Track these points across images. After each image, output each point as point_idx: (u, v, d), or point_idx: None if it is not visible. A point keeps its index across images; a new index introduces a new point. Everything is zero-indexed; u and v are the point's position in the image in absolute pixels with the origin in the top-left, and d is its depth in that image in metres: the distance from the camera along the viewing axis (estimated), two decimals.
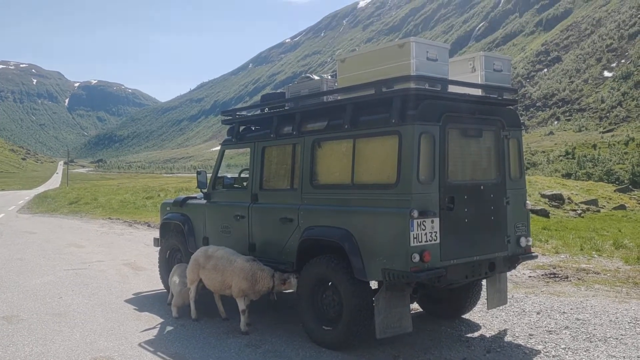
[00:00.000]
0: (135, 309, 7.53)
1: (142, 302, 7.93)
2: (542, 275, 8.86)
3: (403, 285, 5.35)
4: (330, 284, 5.87)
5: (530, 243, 6.19)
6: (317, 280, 5.97)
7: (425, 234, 5.17)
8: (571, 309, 6.94)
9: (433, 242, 5.22)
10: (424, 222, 5.15)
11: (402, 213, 5.11)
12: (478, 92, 5.91)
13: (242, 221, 7.00)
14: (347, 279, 5.59)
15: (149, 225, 17.64)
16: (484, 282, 6.43)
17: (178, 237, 8.24)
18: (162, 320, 6.99)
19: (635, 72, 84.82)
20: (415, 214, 5.06)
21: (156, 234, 15.40)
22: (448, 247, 5.33)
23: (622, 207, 28.76)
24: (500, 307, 7.03)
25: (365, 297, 5.63)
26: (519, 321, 6.62)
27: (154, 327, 6.68)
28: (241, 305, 6.43)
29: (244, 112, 7.68)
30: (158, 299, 8.08)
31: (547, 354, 5.56)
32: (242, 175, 7.96)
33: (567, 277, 8.64)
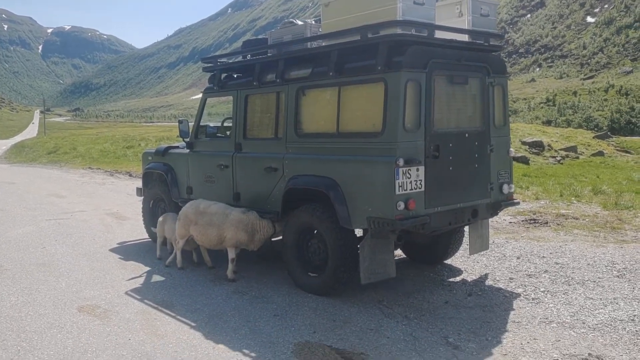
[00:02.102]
0: (120, 258, 7.55)
1: (127, 251, 7.95)
2: (523, 221, 9.03)
3: (388, 233, 5.41)
4: (315, 232, 5.92)
5: (512, 190, 6.27)
6: (302, 228, 6.01)
7: (411, 182, 5.20)
8: (550, 253, 7.11)
9: (418, 190, 5.25)
10: (409, 171, 5.17)
11: (387, 161, 5.11)
12: (464, 37, 5.82)
13: (226, 170, 6.96)
14: (333, 227, 5.64)
15: (130, 175, 17.50)
16: (466, 228, 6.53)
17: (161, 186, 8.20)
18: (148, 268, 7.03)
19: (618, 18, 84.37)
20: (401, 162, 5.07)
21: (138, 183, 15.36)
22: (432, 195, 5.37)
23: (600, 153, 29.15)
24: (482, 253, 7.18)
25: (350, 244, 5.70)
26: (499, 266, 6.78)
27: (140, 276, 6.72)
28: (231, 253, 6.47)
29: (225, 59, 7.52)
30: (143, 248, 8.10)
31: (526, 296, 5.72)
32: (225, 124, 7.87)
33: (546, 223, 8.81)
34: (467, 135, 5.73)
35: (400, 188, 5.12)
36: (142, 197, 8.64)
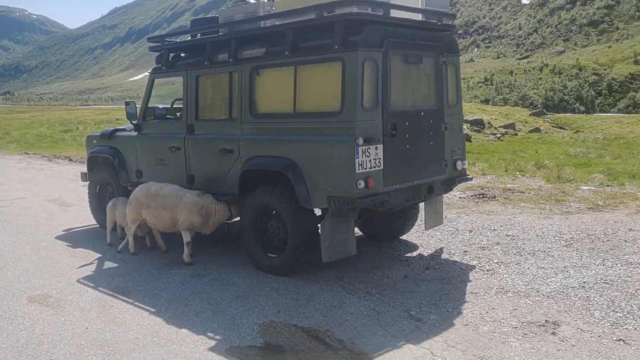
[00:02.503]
0: (68, 245, 7.27)
1: (74, 238, 7.66)
2: (472, 196, 9.27)
3: (348, 212, 5.43)
4: (274, 213, 5.87)
5: (465, 166, 6.41)
6: (261, 209, 5.95)
7: (370, 160, 5.22)
8: (500, 226, 7.34)
9: (377, 168, 5.28)
10: (368, 149, 5.18)
11: (347, 141, 5.10)
12: (417, 16, 5.85)
13: (178, 153, 6.79)
14: (292, 208, 5.61)
15: (70, 160, 16.81)
16: (421, 204, 6.63)
17: (108, 170, 7.92)
18: (98, 255, 6.81)
19: (551, 0, 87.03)
20: (360, 141, 5.07)
21: (79, 168, 14.85)
22: (391, 173, 5.41)
23: (537, 130, 30.24)
24: (436, 227, 7.33)
25: (310, 224, 5.69)
26: (453, 239, 6.94)
27: (91, 263, 6.50)
28: (187, 237, 6.34)
29: (173, 39, 7.28)
30: (91, 234, 7.83)
31: (481, 268, 5.89)
32: (175, 105, 7.65)
33: (494, 197, 9.08)
34: (422, 113, 5.79)
35: (360, 167, 5.13)
36: (88, 182, 8.32)
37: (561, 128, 30.78)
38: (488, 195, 9.18)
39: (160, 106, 7.71)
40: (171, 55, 7.02)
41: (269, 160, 5.80)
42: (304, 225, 5.63)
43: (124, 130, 7.91)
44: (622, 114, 35.58)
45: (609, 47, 54.12)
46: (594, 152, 15.06)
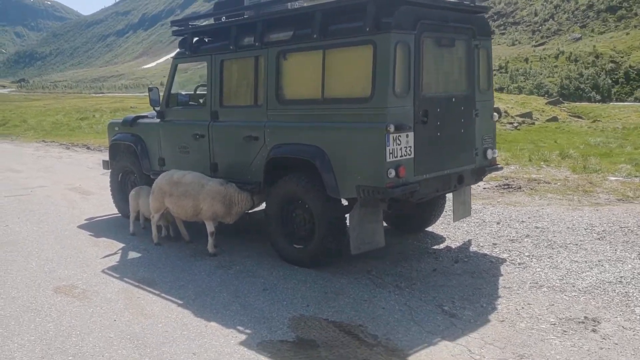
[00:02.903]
0: (91, 234, 7.22)
1: (97, 227, 7.60)
2: (497, 186, 9.09)
3: (378, 202, 5.29)
4: (300, 202, 5.75)
5: (496, 155, 6.24)
6: (287, 199, 5.83)
7: (401, 148, 5.07)
8: (529, 217, 7.17)
9: (408, 156, 5.13)
10: (399, 137, 5.03)
11: (377, 128, 4.95)
12: None
13: (202, 140, 6.67)
14: (319, 197, 5.48)
15: (88, 148, 16.82)
16: (449, 194, 6.48)
17: (130, 158, 7.84)
18: (122, 245, 6.74)
19: None
20: (392, 128, 4.92)
21: (99, 156, 14.87)
22: (421, 162, 5.27)
23: (554, 119, 29.82)
24: (463, 219, 7.17)
25: (338, 214, 5.56)
26: (480, 231, 6.79)
27: (115, 253, 6.43)
28: (210, 227, 6.25)
29: (196, 22, 7.14)
30: (114, 224, 7.77)
31: (512, 261, 5.74)
32: (199, 91, 7.53)
33: (520, 188, 8.89)
34: (454, 99, 5.62)
35: (391, 155, 4.98)
36: (110, 170, 8.25)
37: (579, 117, 30.32)
38: (513, 186, 8.99)
39: (184, 92, 7.59)
40: (195, 39, 6.88)
41: (295, 148, 5.67)
42: (332, 216, 5.50)
43: (146, 117, 7.81)
44: (638, 103, 34.98)
45: (627, 33, 53.14)
46: (614, 142, 14.73)
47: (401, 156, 5.07)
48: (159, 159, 7.34)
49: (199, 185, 6.27)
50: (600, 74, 44.29)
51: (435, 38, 5.34)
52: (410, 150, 5.14)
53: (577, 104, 35.07)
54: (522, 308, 4.62)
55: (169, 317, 4.61)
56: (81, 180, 11.21)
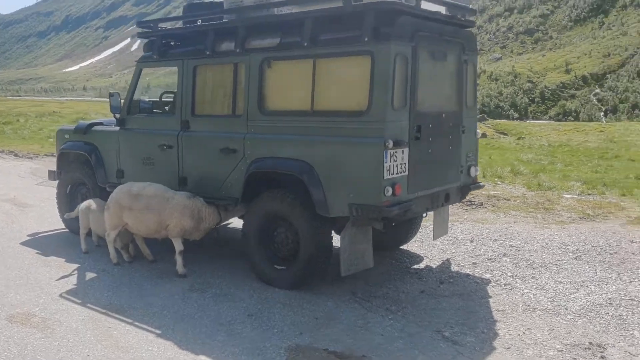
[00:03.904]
0: (38, 253, 6.52)
1: (44, 244, 6.89)
2: (459, 203, 9.05)
3: (372, 221, 5.03)
4: (283, 220, 5.40)
5: (478, 172, 6.15)
6: (268, 217, 5.47)
7: (397, 165, 4.85)
8: (500, 235, 7.13)
9: (402, 174, 4.92)
10: (395, 153, 4.81)
11: (375, 143, 4.71)
12: (441, 10, 5.50)
13: (170, 152, 6.19)
14: (306, 215, 5.16)
15: (15, 155, 15.55)
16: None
17: (82, 169, 7.19)
18: (76, 265, 6.12)
19: (490, 7, 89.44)
20: (390, 144, 4.69)
21: (30, 164, 13.83)
22: (414, 179, 5.07)
23: (484, 135, 30.85)
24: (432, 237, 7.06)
25: (325, 234, 5.26)
26: (456, 250, 6.67)
27: (71, 275, 5.82)
28: (179, 245, 5.78)
29: (166, 25, 6.66)
30: (62, 240, 7.09)
31: (497, 282, 5.63)
32: (164, 98, 7.03)
33: (482, 204, 8.91)
34: (444, 115, 5.48)
35: (388, 172, 4.75)
36: (57, 182, 7.54)
37: (503, 134, 31.40)
38: (475, 203, 8.99)
39: (146, 99, 7.06)
40: (163, 42, 6.39)
41: (280, 162, 5.32)
42: (318, 235, 5.18)
43: (101, 124, 7.21)
44: (553, 122, 36.65)
45: (543, 55, 55.95)
46: (545, 158, 15.21)
47: (397, 173, 4.85)
48: (117, 171, 6.76)
49: (164, 199, 5.79)
50: (518, 93, 46.30)
51: (429, 51, 5.18)
52: (405, 167, 4.94)
53: (499, 121, 36.30)
54: (524, 333, 4.48)
55: (150, 350, 4.14)
56: (15, 190, 10.27)
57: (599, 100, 44.61)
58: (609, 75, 46.65)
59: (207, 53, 5.84)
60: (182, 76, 6.09)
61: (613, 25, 55.25)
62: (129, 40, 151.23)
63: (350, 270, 5.10)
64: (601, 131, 23.65)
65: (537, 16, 64.91)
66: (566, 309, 4.93)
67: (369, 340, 4.34)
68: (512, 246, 6.70)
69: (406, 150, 4.92)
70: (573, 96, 44.79)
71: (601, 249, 6.48)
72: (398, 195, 4.84)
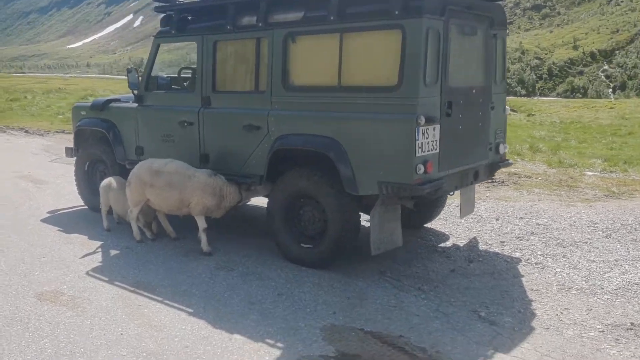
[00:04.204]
0: (60, 230, 6.45)
1: (64, 221, 6.82)
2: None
3: (403, 199, 4.92)
4: (310, 198, 5.30)
5: (507, 150, 6.02)
6: (294, 195, 5.36)
7: (428, 142, 4.72)
8: (525, 214, 7.02)
9: (434, 151, 4.80)
10: (427, 130, 4.68)
11: (407, 119, 4.57)
12: None
13: (191, 128, 6.06)
14: (333, 193, 5.06)
15: (26, 132, 15.44)
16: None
17: (100, 146, 7.08)
18: (99, 242, 6.05)
19: None
20: (422, 120, 4.56)
21: (41, 141, 13.74)
22: (445, 157, 4.94)
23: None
24: (458, 215, 6.96)
25: (353, 212, 5.16)
26: (482, 228, 6.57)
27: (95, 252, 5.75)
28: (202, 223, 5.69)
29: None
30: (82, 217, 7.01)
31: (528, 261, 5.53)
32: (183, 74, 6.88)
33: (503, 182, 8.78)
34: (474, 91, 5.33)
35: (420, 149, 4.62)
36: (75, 159, 7.45)
37: (513, 111, 31.08)
38: (497, 180, 8.85)
39: (164, 75, 6.92)
40: (182, 17, 6.22)
41: (306, 139, 5.20)
42: (347, 213, 5.08)
43: (118, 100, 7.08)
44: (561, 98, 36.23)
45: (551, 31, 55.15)
46: (558, 135, 15.01)
47: (428, 150, 4.72)
48: (136, 148, 6.65)
49: (185, 177, 5.70)
50: (525, 69, 45.70)
51: (459, 25, 5.01)
52: (436, 144, 4.81)
53: (507, 98, 35.96)
54: (562, 313, 4.39)
55: (184, 329, 4.07)
56: (29, 167, 10.18)
57: (607, 77, 44.08)
58: (617, 52, 46.02)
59: (228, 28, 5.68)
60: (202, 52, 5.93)
61: (622, 1, 54.37)
62: (131, 16, 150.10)
63: (380, 249, 5.01)
64: (612, 108, 23.34)
65: None
66: (602, 289, 4.84)
67: (405, 320, 4.26)
68: (539, 224, 6.59)
69: (437, 126, 4.78)
70: (581, 73, 44.27)
71: (631, 227, 6.36)
72: (429, 173, 4.73)
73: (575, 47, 48.13)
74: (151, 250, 5.79)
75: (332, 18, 4.94)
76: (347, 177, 4.90)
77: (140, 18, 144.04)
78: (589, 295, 4.72)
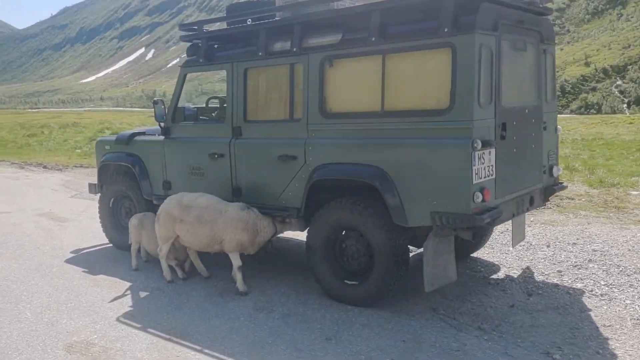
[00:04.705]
0: (85, 271, 6.12)
1: (89, 262, 6.50)
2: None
3: (461, 230, 4.52)
4: (353, 231, 4.93)
5: (560, 172, 5.62)
6: (336, 228, 5.00)
7: (484, 168, 4.35)
8: (577, 239, 6.58)
9: (490, 177, 4.42)
10: (483, 155, 4.31)
11: (462, 144, 4.21)
12: None
13: (222, 161, 5.75)
14: (380, 225, 4.68)
15: (44, 167, 15.27)
16: None
17: (125, 181, 6.80)
18: (127, 284, 5.70)
19: None
20: (479, 145, 4.19)
21: (60, 176, 13.54)
22: (501, 182, 4.56)
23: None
24: (504, 243, 6.55)
25: (401, 245, 4.77)
26: (533, 256, 6.14)
27: (124, 295, 5.39)
28: (237, 260, 5.34)
29: (211, 26, 6.22)
30: (107, 257, 6.68)
31: (592, 292, 5.10)
32: (211, 104, 6.60)
33: (545, 205, 8.33)
34: (527, 111, 4.97)
35: (477, 176, 4.25)
36: (99, 195, 7.16)
37: None
38: None
39: (191, 106, 6.64)
40: (210, 44, 5.96)
41: (348, 169, 4.85)
42: (395, 247, 4.70)
43: (143, 134, 6.81)
44: (575, 115, 35.68)
45: (561, 49, 54.93)
46: (582, 152, 14.54)
47: (485, 177, 4.35)
48: (163, 182, 6.35)
49: (217, 211, 5.37)
50: None
51: (511, 41, 4.67)
52: (492, 169, 4.44)
53: None
54: None
55: None
56: (50, 204, 9.94)
57: (621, 92, 43.57)
58: (629, 67, 45.60)
59: (260, 54, 5.40)
60: (232, 80, 5.65)
61: (632, 17, 54.05)
62: (143, 49, 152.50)
63: (434, 285, 4.61)
64: (631, 123, 22.83)
65: (554, 10, 63.90)
66: None
67: None
68: (595, 251, 6.15)
69: (493, 150, 4.42)
70: (594, 89, 43.78)
71: None
72: (487, 201, 4.34)
73: (587, 64, 47.84)
74: (183, 291, 5.43)
75: (373, 39, 4.63)
76: (396, 208, 4.54)
77: (152, 51, 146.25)
78: None
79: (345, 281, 5.03)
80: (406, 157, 4.51)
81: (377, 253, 4.75)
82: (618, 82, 44.36)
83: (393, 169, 4.56)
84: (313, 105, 5.04)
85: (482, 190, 4.28)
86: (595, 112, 38.63)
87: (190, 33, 6.08)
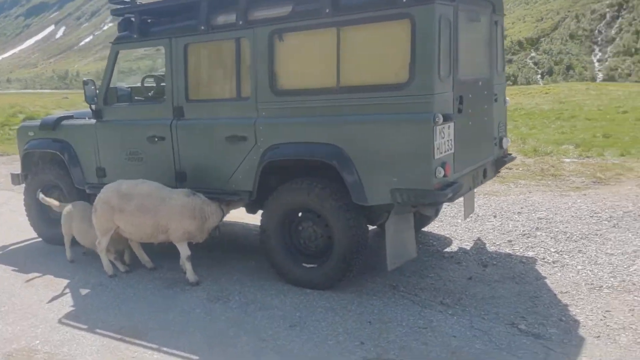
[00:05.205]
0: (15, 270, 5.61)
1: (18, 258, 5.97)
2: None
3: (422, 207, 4.43)
4: (310, 213, 4.74)
5: (509, 143, 5.65)
6: (291, 210, 4.79)
7: (445, 142, 4.27)
8: (522, 208, 6.70)
9: (449, 152, 4.35)
10: (443, 129, 4.21)
11: (423, 119, 4.09)
12: None
13: (162, 144, 5.38)
14: (338, 206, 4.52)
15: None
16: None
17: (53, 170, 6.26)
18: (65, 281, 5.26)
19: None
20: (440, 119, 4.08)
21: None
22: (459, 156, 4.51)
23: None
24: (452, 215, 6.59)
25: (360, 225, 4.63)
26: (482, 227, 6.20)
27: (63, 294, 4.97)
28: (185, 250, 5.04)
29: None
30: (38, 253, 6.16)
31: (544, 260, 5.19)
32: (147, 83, 6.16)
33: None
34: (480, 83, 4.92)
35: (438, 151, 4.16)
36: (24, 186, 6.57)
37: None
38: None
39: (125, 86, 6.17)
40: (144, 19, 5.51)
41: (302, 148, 4.63)
42: (354, 227, 4.55)
43: (71, 117, 6.28)
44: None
45: None
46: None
47: (445, 151, 4.27)
48: (97, 169, 5.89)
49: (160, 199, 5.03)
50: None
51: (466, 12, 4.58)
52: (451, 144, 4.36)
53: None
54: (605, 317, 4.04)
55: None
56: None
57: (535, 64, 45.58)
58: (542, 39, 47.72)
59: (202, 28, 5.04)
60: (171, 57, 5.25)
61: None
62: (52, 27, 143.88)
63: (396, 263, 4.52)
64: (546, 93, 23.73)
65: None
66: (634, 284, 4.53)
67: (443, 344, 3.78)
68: (541, 219, 6.28)
69: (452, 124, 4.33)
70: (510, 61, 45.53)
71: (634, 214, 6.13)
72: (448, 176, 4.27)
73: (503, 36, 49.44)
74: (128, 285, 5.07)
75: (327, 11, 4.39)
76: (355, 187, 4.38)
77: (63, 28, 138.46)
78: (623, 293, 4.40)
79: (304, 264, 4.86)
80: (364, 134, 4.35)
81: (336, 234, 4.58)
82: (532, 54, 46.29)
83: (351, 146, 4.39)
84: (262, 82, 4.77)
85: (443, 165, 4.19)
86: (511, 83, 40.12)
87: (122, 6, 5.60)
